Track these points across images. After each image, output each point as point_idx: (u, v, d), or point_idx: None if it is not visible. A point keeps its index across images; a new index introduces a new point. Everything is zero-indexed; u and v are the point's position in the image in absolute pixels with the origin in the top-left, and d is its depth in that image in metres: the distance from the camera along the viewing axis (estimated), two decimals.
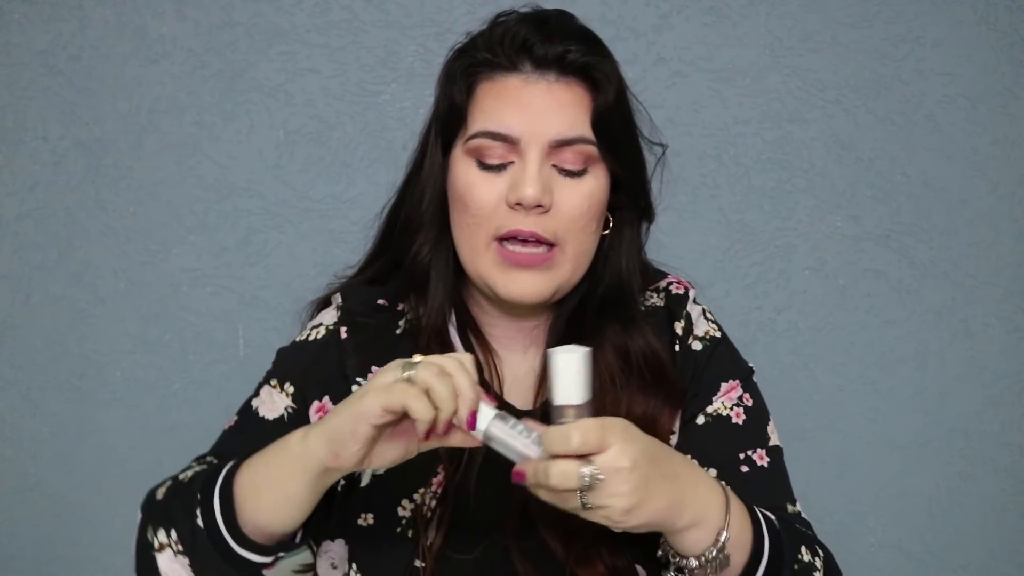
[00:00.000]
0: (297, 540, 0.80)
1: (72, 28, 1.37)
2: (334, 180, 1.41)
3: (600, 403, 0.87)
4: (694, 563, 0.76)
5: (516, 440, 0.71)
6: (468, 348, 0.93)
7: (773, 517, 0.84)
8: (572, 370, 0.71)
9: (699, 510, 0.75)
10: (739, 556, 0.78)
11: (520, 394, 0.93)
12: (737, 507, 0.78)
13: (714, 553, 0.76)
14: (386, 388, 0.70)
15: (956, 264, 1.48)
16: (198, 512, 0.78)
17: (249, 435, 0.91)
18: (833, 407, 1.49)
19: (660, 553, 0.81)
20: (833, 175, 1.46)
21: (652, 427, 0.88)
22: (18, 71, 1.37)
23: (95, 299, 1.41)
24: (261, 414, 0.93)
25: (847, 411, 1.49)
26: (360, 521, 0.89)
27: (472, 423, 0.71)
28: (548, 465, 0.68)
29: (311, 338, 0.95)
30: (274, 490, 0.76)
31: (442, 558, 0.86)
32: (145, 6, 1.37)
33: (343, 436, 0.71)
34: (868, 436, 1.50)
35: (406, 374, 0.70)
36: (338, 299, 0.96)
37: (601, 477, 0.68)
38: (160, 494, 0.86)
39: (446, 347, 0.91)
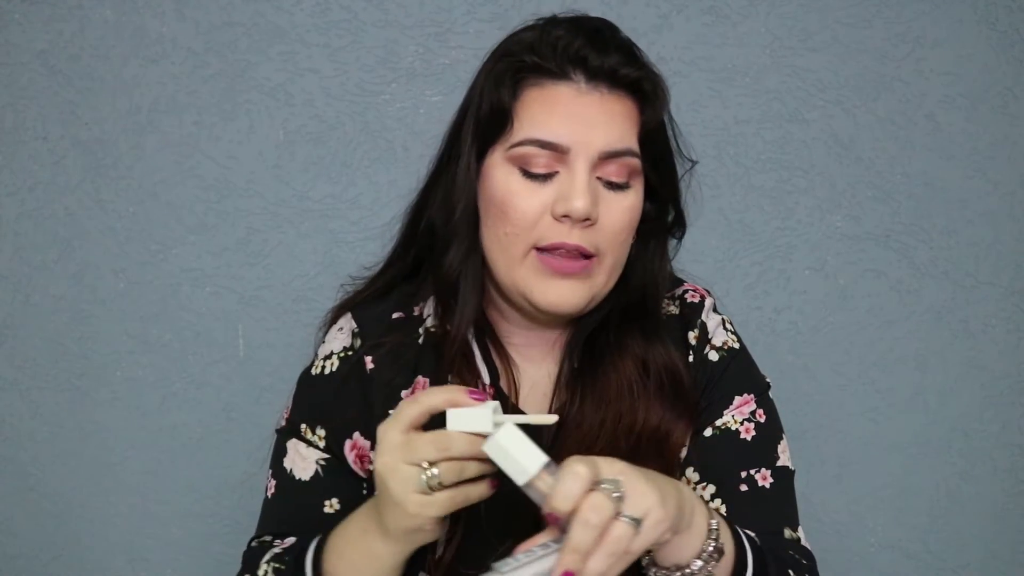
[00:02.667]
0: None
1: (72, 28, 1.37)
2: (334, 180, 1.41)
3: (616, 410, 0.87)
4: (698, 564, 0.74)
5: (536, 565, 0.68)
6: (486, 356, 0.92)
7: (754, 535, 0.82)
8: (518, 440, 0.69)
9: (690, 498, 0.74)
10: (728, 547, 0.77)
11: (536, 402, 0.93)
12: (708, 507, 0.78)
13: (712, 545, 0.74)
14: (432, 504, 0.72)
15: (956, 264, 1.48)
16: None
17: (292, 501, 0.92)
18: (833, 407, 1.49)
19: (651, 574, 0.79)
20: (833, 175, 1.46)
21: (665, 440, 0.87)
22: (18, 71, 1.37)
23: (95, 299, 1.41)
24: (296, 476, 0.93)
25: (847, 411, 1.49)
26: None
27: (494, 485, 0.76)
28: (578, 518, 0.65)
29: (326, 371, 0.93)
30: None
31: (450, 572, 0.86)
32: (145, 6, 1.37)
33: (422, 538, 0.76)
34: (868, 436, 1.50)
35: (434, 482, 0.72)
36: (352, 324, 0.94)
37: (619, 479, 0.67)
38: None
39: (468, 356, 0.90)
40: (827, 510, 1.50)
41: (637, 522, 0.66)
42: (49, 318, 1.41)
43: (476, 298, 0.90)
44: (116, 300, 1.41)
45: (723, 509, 0.90)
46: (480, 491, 0.73)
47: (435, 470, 0.70)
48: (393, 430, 0.72)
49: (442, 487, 0.71)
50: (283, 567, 0.84)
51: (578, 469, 0.65)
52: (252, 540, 0.93)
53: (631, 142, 0.85)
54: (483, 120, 0.87)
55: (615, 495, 0.65)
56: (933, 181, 1.47)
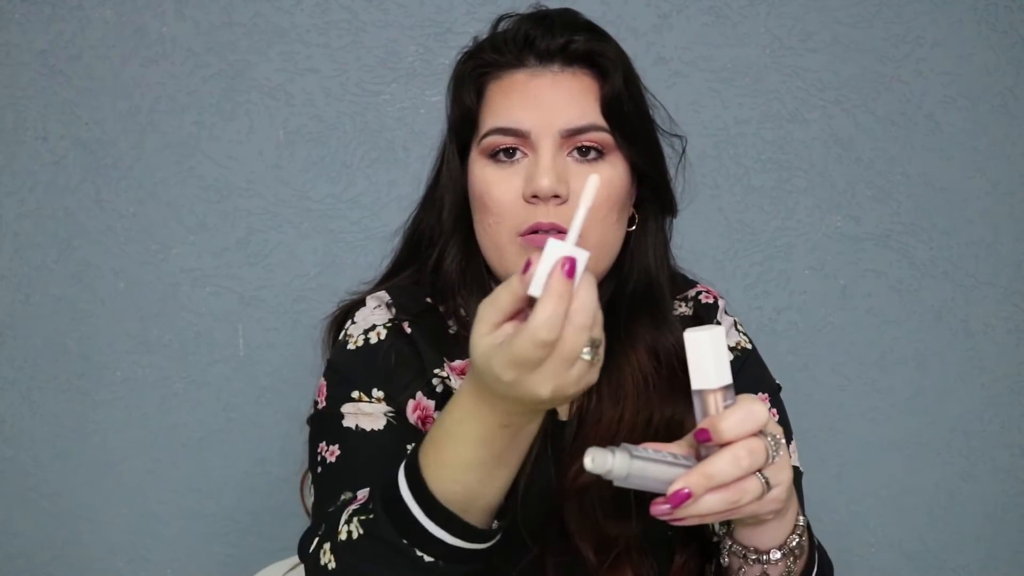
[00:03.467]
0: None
1: (72, 28, 1.37)
2: (334, 180, 1.41)
3: (634, 405, 0.86)
4: (777, 555, 0.72)
5: (658, 467, 0.63)
6: None
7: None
8: (720, 348, 0.64)
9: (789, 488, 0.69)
10: (808, 547, 0.74)
11: None
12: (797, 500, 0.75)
13: (796, 540, 0.72)
14: (574, 380, 0.61)
15: (956, 264, 1.48)
16: (419, 553, 0.68)
17: (368, 453, 0.82)
18: (833, 407, 1.49)
19: (725, 560, 0.75)
20: (833, 175, 1.46)
21: (679, 431, 0.86)
22: (18, 71, 1.37)
23: (95, 299, 1.41)
24: (367, 428, 0.84)
25: (847, 411, 1.49)
26: None
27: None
28: (733, 451, 0.61)
29: (372, 341, 0.89)
30: (492, 462, 0.67)
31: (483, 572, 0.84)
32: (145, 6, 1.37)
33: (536, 413, 0.65)
34: (868, 436, 1.50)
35: (597, 349, 0.61)
36: (385, 298, 0.92)
37: (780, 438, 0.64)
38: (331, 563, 0.72)
39: None
40: (827, 510, 1.50)
41: (769, 487, 0.64)
42: (49, 318, 1.41)
43: (482, 291, 0.89)
44: (116, 300, 1.41)
45: None
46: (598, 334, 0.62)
47: (599, 348, 0.61)
48: (545, 313, 0.59)
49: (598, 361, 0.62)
50: (370, 515, 0.71)
51: (757, 409, 0.63)
52: (316, 522, 0.80)
53: (594, 117, 0.85)
54: (456, 122, 0.90)
55: (774, 450, 0.64)
56: (933, 181, 1.47)
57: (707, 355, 0.64)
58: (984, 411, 1.51)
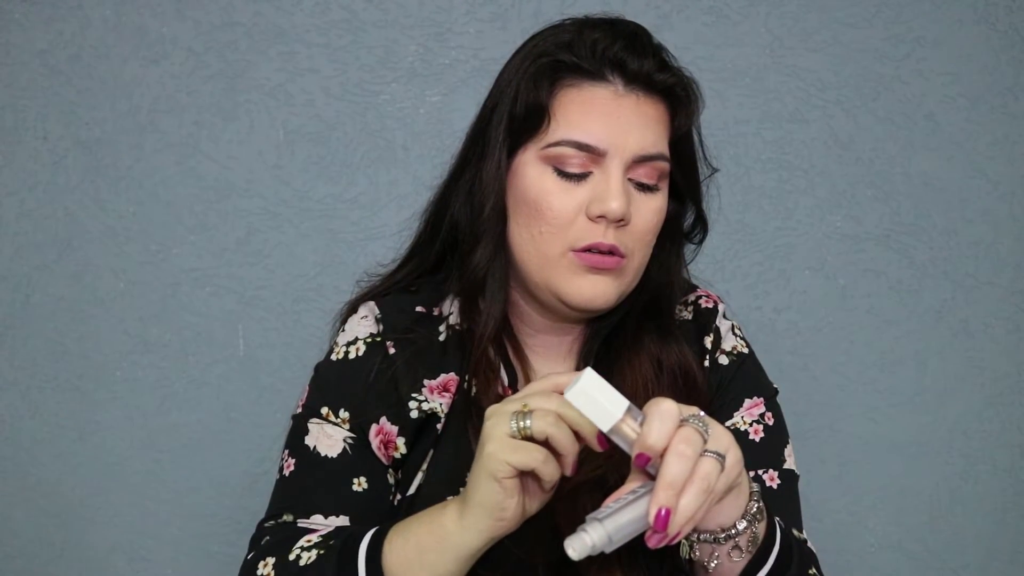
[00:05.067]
0: None
1: (72, 28, 1.37)
2: (334, 180, 1.41)
3: None
4: (743, 523, 0.72)
5: (627, 510, 0.66)
6: (503, 357, 0.91)
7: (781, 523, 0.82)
8: (599, 386, 0.67)
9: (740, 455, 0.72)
10: (763, 515, 0.75)
11: None
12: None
13: (756, 506, 0.73)
14: (512, 447, 0.70)
15: (956, 264, 1.48)
16: None
17: (317, 478, 0.89)
18: (833, 407, 1.49)
19: (695, 555, 0.76)
20: (833, 175, 1.46)
21: None
22: (18, 71, 1.37)
23: (95, 299, 1.41)
24: (322, 453, 0.89)
25: (847, 411, 1.49)
26: None
27: (603, 443, 0.70)
28: (671, 454, 0.64)
29: (351, 356, 0.92)
30: (431, 573, 0.75)
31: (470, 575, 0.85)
32: (145, 6, 1.37)
33: (498, 500, 0.71)
34: (868, 436, 1.50)
35: (522, 425, 0.70)
36: (375, 310, 0.93)
37: (700, 413, 0.66)
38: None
39: (491, 356, 0.90)
40: (827, 510, 1.50)
41: (722, 458, 0.65)
42: (49, 318, 1.41)
43: (503, 296, 0.90)
44: (116, 300, 1.41)
45: None
46: (553, 472, 0.70)
47: (528, 419, 0.69)
48: (537, 385, 0.72)
49: (528, 435, 0.70)
50: (326, 552, 0.79)
51: (665, 407, 0.65)
52: (264, 521, 0.90)
53: (663, 146, 0.86)
54: (517, 118, 0.86)
55: (703, 428, 0.65)
56: (933, 181, 1.47)
57: (596, 397, 0.66)
58: (984, 411, 1.51)
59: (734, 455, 0.67)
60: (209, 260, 1.41)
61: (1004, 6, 1.44)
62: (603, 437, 0.69)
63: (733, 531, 0.72)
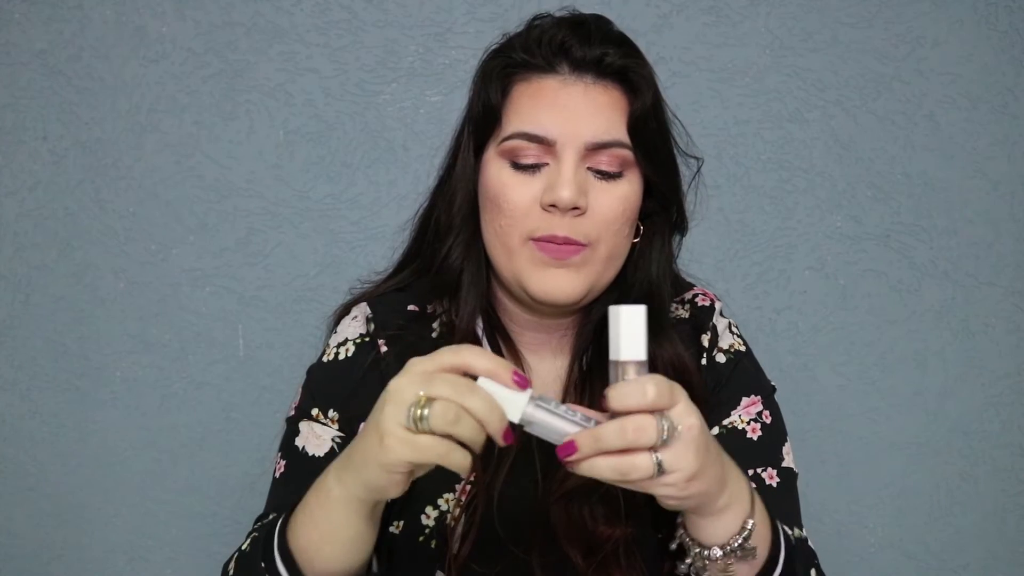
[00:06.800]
0: (374, 569, 0.79)
1: (72, 28, 1.37)
2: (334, 180, 1.41)
3: None
4: (717, 552, 0.73)
5: (560, 421, 0.66)
6: (497, 353, 0.92)
7: (792, 533, 0.82)
8: (636, 325, 0.67)
9: (734, 491, 0.73)
10: (762, 550, 0.76)
11: None
12: (760, 503, 0.76)
13: (739, 541, 0.73)
14: (411, 444, 0.65)
15: (956, 264, 1.48)
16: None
17: (304, 477, 0.87)
18: (833, 407, 1.49)
19: (675, 545, 0.78)
20: (833, 175, 1.46)
21: None
22: (18, 71, 1.37)
23: (95, 299, 1.41)
24: (310, 452, 0.90)
25: (847, 411, 1.49)
26: (392, 528, 0.88)
27: (508, 437, 0.67)
28: (621, 423, 0.64)
29: (340, 357, 0.93)
30: (334, 539, 0.74)
31: (465, 571, 0.85)
32: (145, 6, 1.37)
33: (381, 485, 0.68)
34: (868, 436, 1.50)
35: (420, 419, 0.64)
36: (366, 311, 0.94)
37: (679, 427, 0.65)
38: (231, 570, 0.84)
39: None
40: (827, 510, 1.50)
41: (660, 471, 0.65)
42: (49, 318, 1.41)
43: (478, 290, 0.90)
44: (116, 300, 1.41)
45: None
46: (460, 461, 0.65)
47: (427, 411, 0.64)
48: (423, 363, 0.67)
49: (427, 431, 0.64)
50: (259, 534, 0.82)
51: (651, 388, 0.65)
52: (255, 521, 0.91)
53: (619, 133, 0.85)
54: (477, 117, 0.89)
55: (664, 436, 0.64)
56: (933, 181, 1.47)
57: (622, 329, 0.67)
58: (984, 411, 1.51)
59: (680, 478, 0.66)
60: (209, 260, 1.41)
61: (1004, 6, 1.44)
62: (511, 431, 0.67)
63: (707, 553, 0.74)
